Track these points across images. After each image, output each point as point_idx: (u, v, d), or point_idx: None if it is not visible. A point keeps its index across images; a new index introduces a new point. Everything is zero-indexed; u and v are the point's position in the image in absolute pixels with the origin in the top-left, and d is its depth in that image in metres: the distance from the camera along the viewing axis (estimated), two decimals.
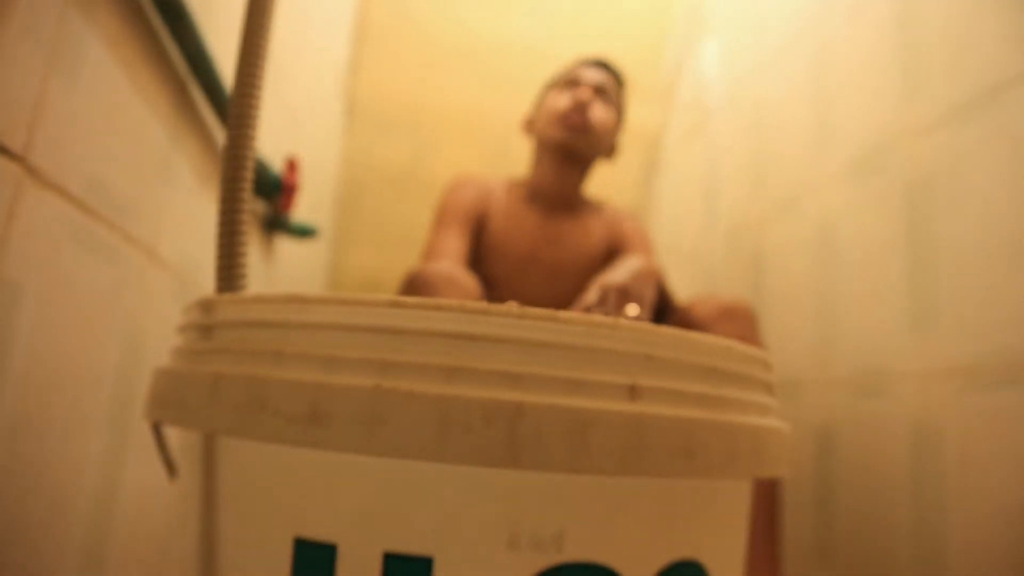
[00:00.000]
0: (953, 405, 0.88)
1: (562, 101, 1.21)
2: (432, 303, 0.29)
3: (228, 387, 0.29)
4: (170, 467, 0.45)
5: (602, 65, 1.27)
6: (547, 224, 1.24)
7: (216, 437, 0.32)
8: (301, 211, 1.17)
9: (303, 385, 0.28)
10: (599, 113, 1.21)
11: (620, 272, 0.95)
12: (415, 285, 0.95)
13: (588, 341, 0.29)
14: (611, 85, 1.25)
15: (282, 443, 0.28)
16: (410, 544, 0.28)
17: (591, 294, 0.93)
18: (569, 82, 1.23)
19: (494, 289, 1.21)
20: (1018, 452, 0.78)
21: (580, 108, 1.18)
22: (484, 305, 0.29)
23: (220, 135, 0.78)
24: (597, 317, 0.29)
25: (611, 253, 1.27)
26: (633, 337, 0.29)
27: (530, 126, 1.31)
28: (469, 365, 0.28)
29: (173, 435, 0.41)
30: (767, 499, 0.94)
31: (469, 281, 0.97)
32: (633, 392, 0.28)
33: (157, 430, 0.42)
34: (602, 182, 1.74)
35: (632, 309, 0.91)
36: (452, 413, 0.26)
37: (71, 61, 0.45)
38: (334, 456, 0.28)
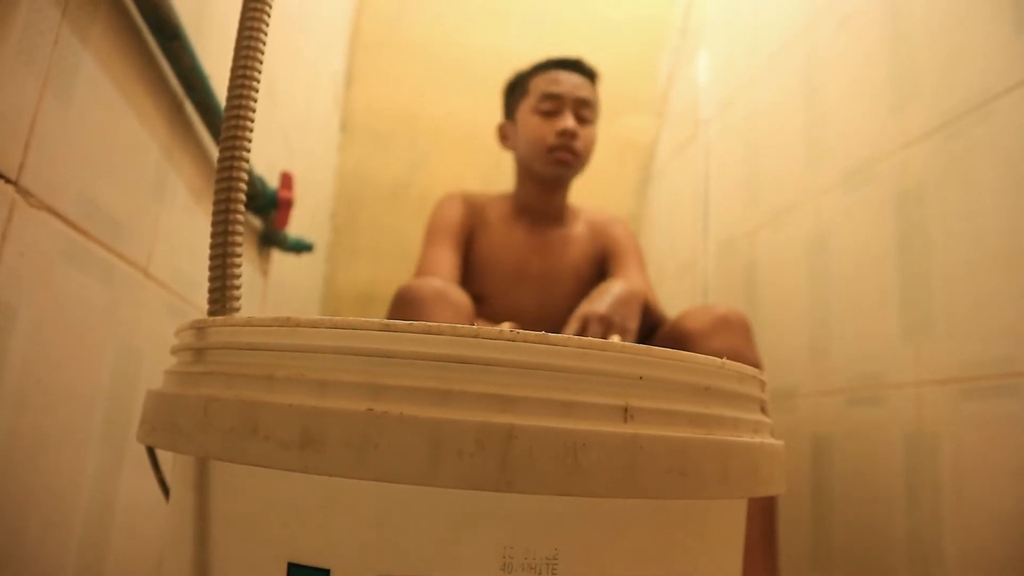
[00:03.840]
0: (947, 414, 0.88)
1: (546, 130, 1.17)
2: (423, 326, 0.29)
3: (220, 411, 0.29)
4: (165, 488, 0.45)
5: (577, 67, 1.23)
6: (534, 236, 1.24)
7: (208, 461, 0.32)
8: (297, 225, 1.17)
9: (295, 409, 0.28)
10: (584, 139, 1.19)
11: (602, 301, 0.95)
12: (405, 301, 0.94)
13: (580, 363, 0.29)
14: (589, 90, 1.22)
15: (274, 468, 0.28)
16: (403, 568, 0.28)
17: (572, 325, 0.93)
18: (549, 99, 1.18)
19: (486, 303, 1.21)
20: (1013, 460, 0.78)
21: (568, 143, 1.16)
22: (476, 328, 0.29)
23: (215, 153, 0.78)
24: (588, 338, 0.29)
25: (602, 258, 1.27)
26: (625, 358, 0.30)
27: (507, 140, 1.28)
28: (461, 388, 0.28)
29: (167, 455, 0.41)
30: (763, 510, 0.94)
31: (460, 296, 0.97)
32: (626, 413, 0.28)
33: (152, 451, 0.42)
34: (597, 192, 1.74)
35: (615, 339, 0.92)
36: (444, 437, 0.26)
37: (65, 81, 0.45)
38: (326, 481, 0.28)
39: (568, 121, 1.17)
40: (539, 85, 1.20)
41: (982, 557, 0.81)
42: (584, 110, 1.20)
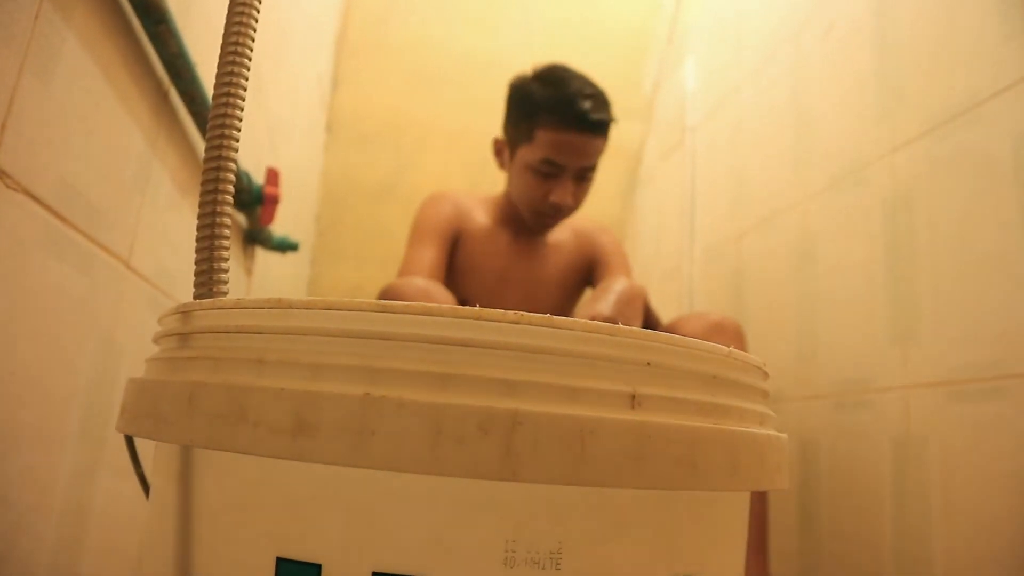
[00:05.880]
0: (935, 417, 0.88)
1: (540, 193, 1.10)
2: (422, 307, 0.28)
3: (207, 397, 0.28)
4: (145, 483, 0.43)
5: (594, 127, 1.07)
6: (519, 243, 1.22)
7: (193, 450, 0.31)
8: (281, 227, 1.15)
9: (287, 394, 0.26)
10: (579, 198, 1.13)
11: (606, 301, 0.94)
12: (389, 299, 0.93)
13: (587, 347, 0.28)
14: (598, 150, 1.10)
15: (264, 455, 0.26)
16: (400, 563, 0.27)
17: None
18: (550, 164, 1.08)
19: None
20: (1001, 463, 0.78)
21: (558, 212, 1.12)
22: (478, 310, 0.28)
23: (201, 145, 0.77)
24: (595, 323, 0.28)
25: (587, 266, 1.26)
26: (633, 343, 0.28)
27: (500, 159, 1.20)
28: (463, 372, 0.26)
29: (148, 452, 0.40)
30: (756, 511, 0.93)
31: (444, 295, 0.95)
32: (633, 400, 0.27)
33: (131, 444, 0.41)
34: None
35: None
36: (445, 423, 0.25)
37: (46, 60, 0.43)
38: (320, 469, 0.27)
39: (565, 196, 1.09)
40: (545, 142, 1.07)
41: (971, 561, 0.81)
42: (587, 172, 1.12)
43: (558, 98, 1.06)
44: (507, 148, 1.17)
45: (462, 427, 0.25)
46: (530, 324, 0.27)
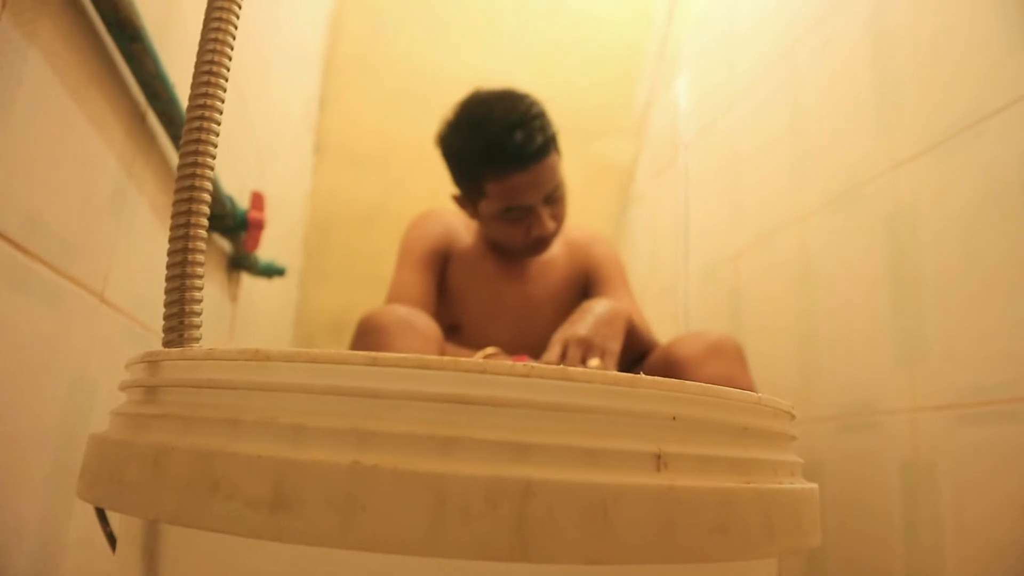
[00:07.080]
0: (945, 441, 0.85)
1: (518, 234, 1.05)
2: (419, 360, 0.25)
3: (174, 463, 0.24)
4: (112, 539, 0.39)
5: (534, 156, 0.99)
6: (510, 262, 1.17)
7: (160, 524, 0.27)
8: (268, 249, 1.12)
9: (265, 461, 0.23)
10: (559, 219, 1.07)
11: (583, 322, 0.90)
12: (368, 330, 0.89)
13: (606, 402, 0.24)
14: (553, 172, 1.03)
15: (239, 534, 0.23)
16: None
17: (552, 349, 0.88)
18: (514, 210, 1.03)
19: (461, 333, 1.15)
20: (1016, 489, 0.75)
21: (543, 242, 1.07)
22: (483, 363, 0.24)
23: None
24: (614, 374, 0.25)
25: (583, 281, 1.22)
26: (656, 395, 0.25)
27: (469, 212, 1.12)
28: (466, 434, 0.23)
29: None
30: None
31: (427, 323, 0.91)
32: (659, 461, 0.24)
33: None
34: (576, 215, 1.71)
35: (594, 362, 0.87)
36: (447, 495, 0.22)
37: (6, 81, 0.40)
38: (303, 551, 0.23)
39: (544, 227, 1.03)
40: (498, 193, 1.01)
41: None
42: (555, 193, 1.05)
43: (487, 147, 0.99)
44: (468, 204, 1.11)
45: (466, 500, 0.22)
46: (541, 378, 0.24)
